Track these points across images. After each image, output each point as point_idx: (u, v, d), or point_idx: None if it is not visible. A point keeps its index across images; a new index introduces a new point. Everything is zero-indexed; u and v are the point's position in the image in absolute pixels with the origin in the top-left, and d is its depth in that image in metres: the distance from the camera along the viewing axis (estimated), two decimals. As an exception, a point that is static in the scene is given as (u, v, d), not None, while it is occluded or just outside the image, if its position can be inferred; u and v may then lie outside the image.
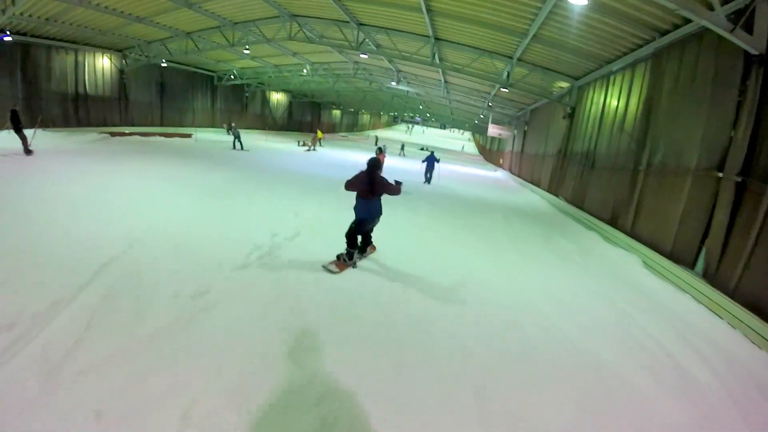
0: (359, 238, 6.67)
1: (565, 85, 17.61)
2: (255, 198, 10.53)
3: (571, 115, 17.06)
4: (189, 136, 26.83)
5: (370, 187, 6.33)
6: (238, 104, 38.62)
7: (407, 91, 33.75)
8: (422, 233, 9.25)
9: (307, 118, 53.60)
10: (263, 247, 6.65)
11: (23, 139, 13.06)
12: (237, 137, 24.38)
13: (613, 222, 11.51)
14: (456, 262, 7.41)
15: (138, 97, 26.58)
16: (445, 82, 26.98)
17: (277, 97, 45.54)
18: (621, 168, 11.54)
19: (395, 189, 6.52)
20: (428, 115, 62.41)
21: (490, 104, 27.79)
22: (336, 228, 8.45)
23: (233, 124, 25.72)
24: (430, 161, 19.98)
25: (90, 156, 14.28)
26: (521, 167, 28.46)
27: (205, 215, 8.32)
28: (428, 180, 19.86)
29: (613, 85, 13.20)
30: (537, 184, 22.17)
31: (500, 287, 6.48)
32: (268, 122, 44.23)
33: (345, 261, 6.40)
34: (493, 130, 29.08)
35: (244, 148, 24.42)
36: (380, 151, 13.70)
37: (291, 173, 16.54)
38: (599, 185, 13.02)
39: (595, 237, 11.33)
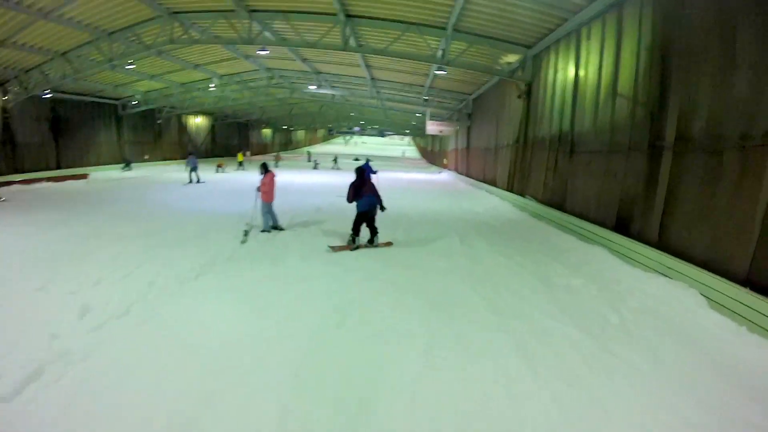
0: (361, 228, 8.33)
1: (514, 58, 14.18)
2: (50, 278, 6.05)
3: (528, 93, 13.62)
4: (85, 177, 22.12)
5: (359, 189, 8.31)
6: (149, 133, 33.28)
7: (332, 96, 29.80)
8: (309, 316, 4.90)
9: (233, 140, 48.35)
10: None
11: None
12: (193, 169, 21.18)
13: (622, 228, 7.91)
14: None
15: (26, 139, 21.53)
16: (372, 78, 23.25)
17: (197, 122, 40.40)
18: (625, 149, 7.98)
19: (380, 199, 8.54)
20: (362, 122, 58.90)
21: (426, 98, 24.28)
22: (133, 341, 4.17)
23: (191, 154, 22.58)
24: (366, 171, 16.44)
25: None
26: (469, 165, 25.14)
27: None
28: None
29: (588, 39, 9.73)
30: (492, 183, 18.73)
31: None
32: (188, 150, 39.07)
33: (350, 244, 8.31)
34: (432, 128, 25.56)
35: (201, 180, 21.42)
36: (265, 169, 9.59)
37: (165, 214, 12.04)
38: (589, 177, 9.45)
39: (605, 255, 7.64)
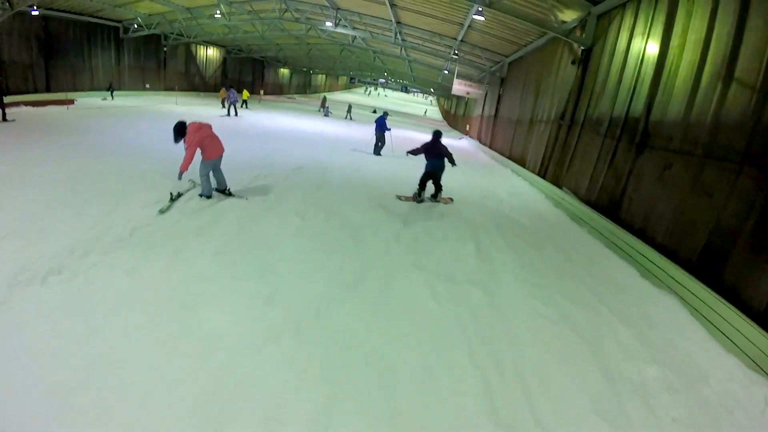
0: (428, 183, 9.29)
1: (573, 15, 11.31)
2: None
3: (585, 60, 10.82)
4: (71, 102, 20.43)
5: (430, 150, 9.21)
6: (153, 60, 31.12)
7: (353, 38, 26.72)
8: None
9: (246, 77, 45.47)
10: None
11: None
12: (233, 103, 22.04)
13: (707, 273, 5.48)
14: None
15: (13, 58, 19.87)
16: (397, 22, 20.22)
17: (208, 53, 37.84)
18: (734, 157, 5.45)
19: (452, 158, 9.32)
20: (386, 73, 55.22)
21: (456, 52, 21.23)
22: None
23: (230, 87, 23.09)
24: (381, 124, 15.36)
25: None
26: (494, 136, 22.37)
27: None
28: (378, 151, 15.32)
29: (690, -4, 6.97)
30: (520, 163, 16.11)
31: None
32: (195, 82, 36.50)
33: (415, 196, 9.23)
34: (459, 87, 22.68)
35: (239, 114, 22.72)
36: (180, 131, 6.95)
37: (114, 155, 9.99)
38: (664, 186, 6.91)
39: (681, 313, 5.22)
